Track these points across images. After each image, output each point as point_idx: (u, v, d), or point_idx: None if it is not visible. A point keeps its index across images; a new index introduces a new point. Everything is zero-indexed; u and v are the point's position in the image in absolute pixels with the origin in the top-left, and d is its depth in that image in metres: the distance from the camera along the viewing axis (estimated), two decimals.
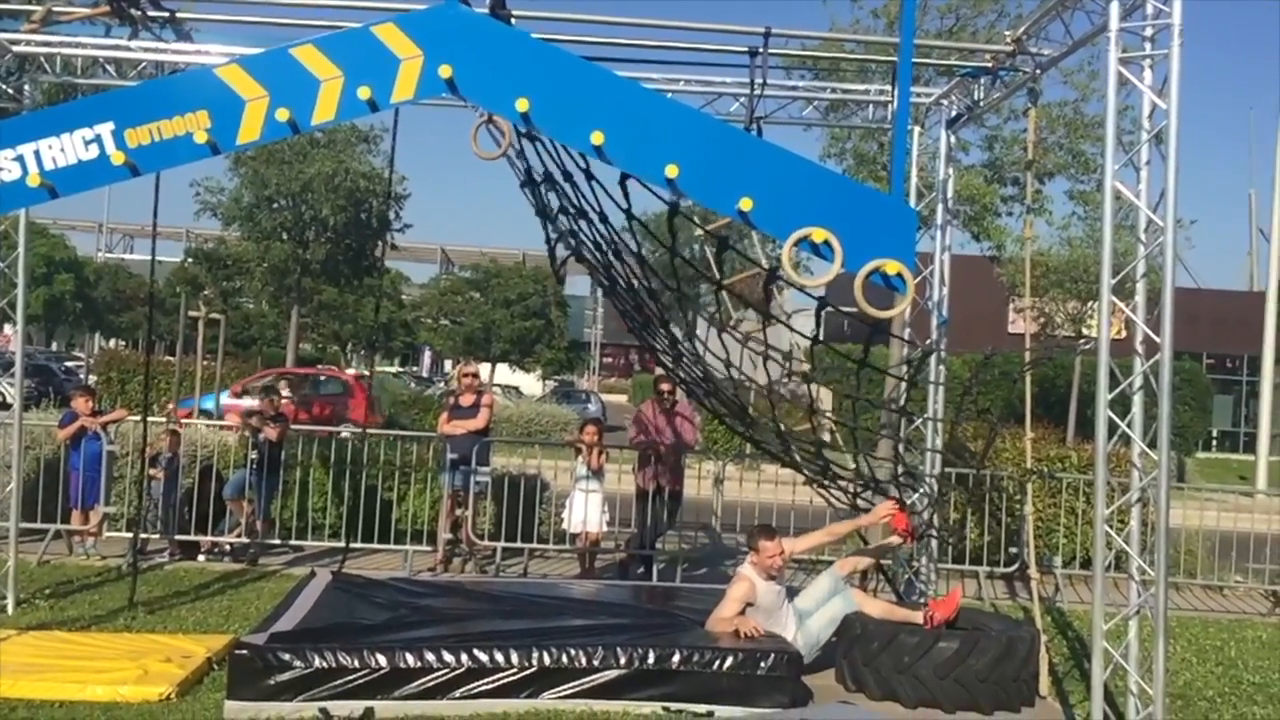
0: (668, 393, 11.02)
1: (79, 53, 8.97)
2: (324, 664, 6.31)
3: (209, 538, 10.89)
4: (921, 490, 8.84)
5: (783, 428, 7.83)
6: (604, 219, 7.20)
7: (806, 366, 7.42)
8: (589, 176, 6.79)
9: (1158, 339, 6.14)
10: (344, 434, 12.19)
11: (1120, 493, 6.84)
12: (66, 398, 12.94)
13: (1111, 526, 6.45)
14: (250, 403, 17.70)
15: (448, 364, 53.08)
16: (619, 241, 7.45)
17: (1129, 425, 6.35)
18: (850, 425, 8.15)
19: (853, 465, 8.37)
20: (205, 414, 11.35)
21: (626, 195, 6.57)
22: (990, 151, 19.04)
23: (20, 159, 6.23)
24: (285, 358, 32.13)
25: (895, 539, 8.12)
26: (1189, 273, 44.56)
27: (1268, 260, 30.53)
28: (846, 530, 8.26)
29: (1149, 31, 6.19)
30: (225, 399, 20.34)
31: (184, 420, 11.72)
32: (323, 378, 28.84)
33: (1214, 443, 38.72)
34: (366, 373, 33.18)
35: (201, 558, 10.76)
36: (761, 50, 8.16)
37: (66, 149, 6.24)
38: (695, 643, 6.83)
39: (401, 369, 54.46)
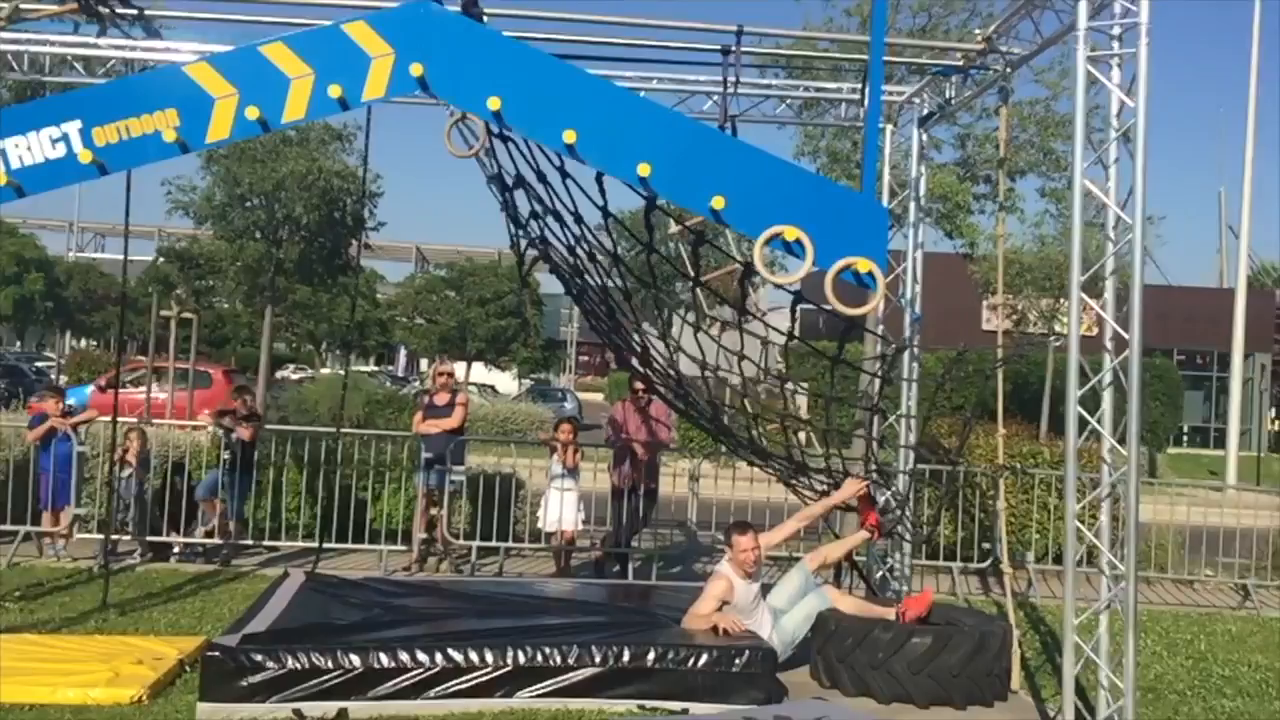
0: (642, 391, 11.00)
1: (47, 50, 8.89)
2: (297, 665, 6.27)
3: (181, 538, 10.82)
4: (893, 489, 8.88)
5: (756, 433, 7.84)
6: (579, 219, 7.17)
7: (782, 365, 7.43)
8: (564, 175, 6.77)
9: (1126, 335, 6.20)
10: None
11: (1091, 488, 6.90)
12: (37, 398, 12.80)
13: (1082, 522, 6.50)
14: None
15: (423, 363, 52.95)
16: (592, 241, 7.43)
17: (1099, 421, 6.41)
18: (823, 427, 8.16)
19: (824, 464, 8.38)
20: (73, 409, 10.95)
21: (603, 192, 6.56)
22: (962, 149, 19.04)
23: None
24: (259, 357, 31.91)
25: (864, 533, 8.16)
26: (1159, 270, 44.98)
27: (1237, 257, 30.90)
28: (819, 512, 8.20)
29: (1117, 30, 6.25)
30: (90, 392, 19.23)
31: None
32: (252, 372, 28.42)
33: (1185, 438, 39.07)
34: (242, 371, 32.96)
35: (173, 559, 10.69)
36: (734, 48, 8.16)
37: (34, 147, 6.21)
38: (670, 640, 6.83)
39: (377, 368, 54.29)
